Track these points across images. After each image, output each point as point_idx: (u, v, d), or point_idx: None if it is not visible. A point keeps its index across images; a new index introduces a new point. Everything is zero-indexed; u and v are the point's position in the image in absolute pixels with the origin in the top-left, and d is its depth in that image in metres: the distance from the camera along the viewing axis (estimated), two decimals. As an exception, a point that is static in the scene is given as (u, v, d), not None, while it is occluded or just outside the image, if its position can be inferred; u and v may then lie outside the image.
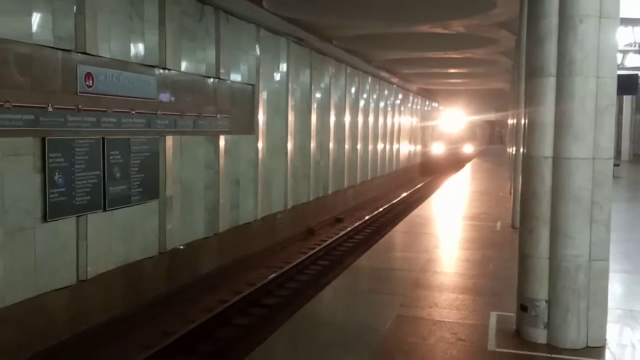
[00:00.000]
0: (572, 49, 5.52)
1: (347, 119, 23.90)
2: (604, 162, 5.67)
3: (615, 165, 26.24)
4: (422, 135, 43.77)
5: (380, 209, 23.70)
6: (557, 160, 5.67)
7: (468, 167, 33.10)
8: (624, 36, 16.37)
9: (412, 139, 40.08)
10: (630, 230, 12.33)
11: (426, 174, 41.70)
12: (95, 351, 8.70)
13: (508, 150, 21.84)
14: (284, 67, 17.15)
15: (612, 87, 5.65)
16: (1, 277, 7.85)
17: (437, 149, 44.57)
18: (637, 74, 20.62)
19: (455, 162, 39.93)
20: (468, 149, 46.49)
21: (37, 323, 8.39)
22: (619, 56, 19.66)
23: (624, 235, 11.35)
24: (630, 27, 16.26)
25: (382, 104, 30.75)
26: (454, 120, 47.68)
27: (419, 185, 34.21)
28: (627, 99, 35.74)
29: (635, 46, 16.93)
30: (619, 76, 7.64)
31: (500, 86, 31.59)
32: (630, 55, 19.86)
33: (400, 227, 13.31)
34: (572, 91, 5.56)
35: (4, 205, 7.90)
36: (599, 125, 5.59)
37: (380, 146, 30.62)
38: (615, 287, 7.58)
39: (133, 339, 9.19)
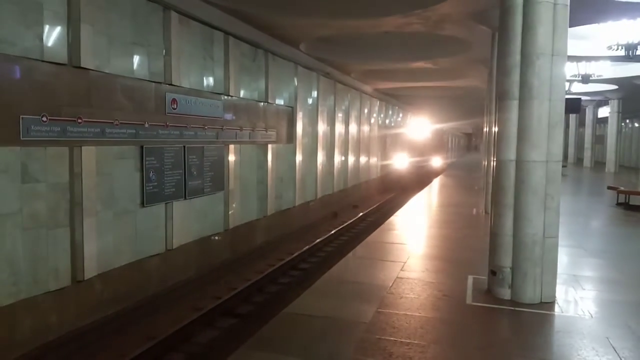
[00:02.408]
0: (531, 78, 5.45)
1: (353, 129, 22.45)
2: (555, 164, 5.61)
3: (563, 166, 25.99)
4: (382, 146, 27.73)
5: (388, 197, 23.27)
6: (520, 162, 5.61)
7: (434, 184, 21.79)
8: (571, 69, 16.08)
9: (369, 150, 24.93)
10: (575, 215, 12.11)
11: (386, 191, 26.46)
12: (180, 299, 8.83)
13: (483, 162, 15.30)
14: (315, 93, 17.17)
15: (561, 107, 5.58)
16: (112, 246, 8.02)
17: (400, 162, 28.53)
18: (580, 98, 20.30)
19: (420, 177, 26.48)
20: (436, 161, 30.85)
21: (138, 280, 8.55)
22: (567, 84, 19.34)
23: (570, 219, 11.17)
24: (575, 63, 16.01)
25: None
26: (420, 129, 31.46)
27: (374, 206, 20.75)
28: (572, 117, 35.53)
29: (578, 77, 16.63)
30: (568, 99, 7.54)
31: (476, 85, 20.67)
32: (575, 84, 19.56)
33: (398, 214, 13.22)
34: (531, 111, 5.50)
35: (114, 194, 8.05)
36: (551, 137, 5.53)
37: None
38: (563, 258, 7.45)
39: (206, 292, 9.30)
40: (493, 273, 5.87)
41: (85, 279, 7.40)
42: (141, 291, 8.51)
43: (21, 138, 6.32)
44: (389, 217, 12.68)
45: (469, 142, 77.21)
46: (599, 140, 35.38)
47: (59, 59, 6.94)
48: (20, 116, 6.30)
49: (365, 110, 24.32)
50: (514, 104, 5.60)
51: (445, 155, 35.02)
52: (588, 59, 15.83)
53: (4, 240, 6.28)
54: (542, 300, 5.60)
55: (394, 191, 26.01)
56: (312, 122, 17.07)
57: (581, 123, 35.53)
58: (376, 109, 26.55)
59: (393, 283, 6.36)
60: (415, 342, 4.54)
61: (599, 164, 33.00)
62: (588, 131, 33.49)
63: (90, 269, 7.49)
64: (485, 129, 14.36)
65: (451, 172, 29.70)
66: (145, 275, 8.74)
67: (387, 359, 4.16)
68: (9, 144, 6.23)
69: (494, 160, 6.03)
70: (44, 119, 6.61)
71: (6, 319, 6.28)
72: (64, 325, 6.99)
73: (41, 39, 6.69)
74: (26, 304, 6.53)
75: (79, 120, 7.16)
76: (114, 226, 8.04)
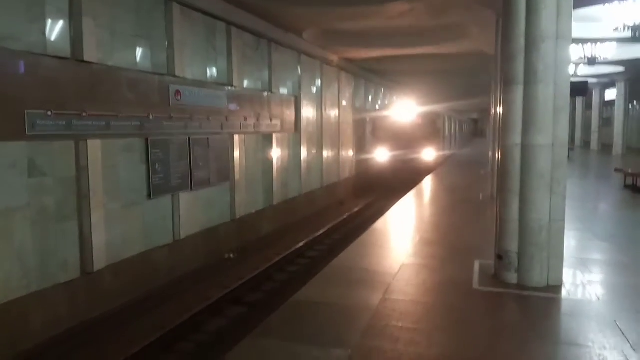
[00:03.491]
0: (536, 63, 5.40)
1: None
2: (561, 148, 5.56)
3: (570, 149, 25.72)
4: (357, 135, 22.00)
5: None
6: (525, 146, 5.57)
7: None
8: (577, 52, 15.88)
9: (338, 140, 19.36)
10: (583, 199, 12.04)
11: (363, 194, 20.56)
12: (188, 289, 8.91)
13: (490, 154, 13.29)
14: (318, 82, 17.10)
15: (567, 91, 5.52)
16: (120, 237, 8.08)
17: (381, 156, 22.15)
18: (586, 81, 20.06)
19: (407, 176, 19.81)
20: (429, 154, 22.67)
21: (147, 271, 8.62)
22: (573, 67, 19.13)
23: (578, 203, 11.12)
24: (581, 45, 15.81)
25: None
26: (407, 112, 23.76)
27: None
28: (579, 100, 35.23)
29: (585, 59, 16.44)
30: (574, 82, 7.46)
31: (481, 50, 15.82)
32: (581, 67, 19.36)
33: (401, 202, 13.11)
34: (536, 95, 5.45)
35: (120, 186, 8.10)
36: (556, 120, 5.48)
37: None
38: (570, 242, 7.44)
39: (214, 281, 9.36)
40: (500, 258, 5.87)
41: (95, 270, 7.48)
42: (150, 282, 8.58)
43: (27, 133, 6.36)
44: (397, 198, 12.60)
45: (475, 127, 70.53)
46: (606, 122, 35.07)
47: (62, 53, 6.95)
48: (26, 111, 6.33)
49: (335, 89, 19.20)
50: (519, 88, 5.55)
51: (441, 146, 25.22)
52: (594, 41, 15.63)
53: (13, 234, 6.34)
54: (549, 284, 5.59)
55: (369, 196, 19.92)
56: (317, 111, 17.00)
57: (588, 106, 35.20)
58: (346, 85, 20.61)
59: (399, 269, 6.37)
60: (422, 327, 4.56)
61: (606, 146, 32.70)
62: (595, 114, 33.17)
63: (100, 261, 7.56)
64: (492, 112, 14.10)
65: (444, 172, 20.55)
66: (153, 266, 8.81)
67: (394, 344, 4.19)
68: (15, 138, 6.27)
69: (499, 146, 5.99)
70: (49, 113, 6.64)
71: (18, 312, 6.36)
72: (74, 316, 7.08)
73: (44, 34, 6.70)
74: (37, 297, 6.62)
75: (84, 114, 7.18)
76: (122, 218, 8.10)
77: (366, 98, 23.96)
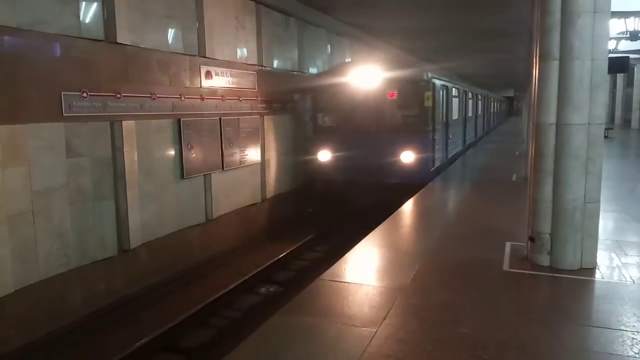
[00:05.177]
0: (572, 38, 5.21)
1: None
2: (597, 127, 5.38)
3: (609, 128, 24.73)
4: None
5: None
6: (560, 125, 5.41)
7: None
8: (617, 26, 15.22)
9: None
10: (621, 179, 11.67)
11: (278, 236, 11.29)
12: (220, 268, 9.10)
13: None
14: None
15: (604, 67, 5.31)
16: (155, 217, 8.28)
17: (323, 160, 11.81)
18: (627, 56, 19.18)
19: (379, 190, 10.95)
20: (407, 157, 11.08)
21: (180, 249, 8.84)
22: (614, 42, 18.36)
23: (615, 184, 10.79)
24: (622, 19, 15.14)
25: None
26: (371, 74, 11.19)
27: None
28: (620, 77, 33.85)
29: (626, 34, 15.75)
30: (614, 58, 7.19)
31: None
32: (622, 42, 18.55)
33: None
34: (572, 71, 5.26)
35: (154, 167, 8.27)
36: (593, 98, 5.29)
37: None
38: (606, 223, 7.25)
39: (246, 261, 9.54)
40: (532, 240, 5.77)
41: (131, 248, 7.71)
42: (184, 259, 8.80)
43: (64, 114, 6.55)
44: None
45: (510, 106, 62.19)
46: (649, 100, 33.65)
47: (95, 35, 7.08)
48: (62, 93, 6.51)
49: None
50: (554, 65, 5.37)
51: (426, 149, 11.50)
52: (636, 14, 14.94)
53: (53, 213, 6.58)
54: (582, 267, 5.48)
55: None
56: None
57: (629, 83, 33.77)
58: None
59: (427, 251, 6.35)
60: (449, 308, 4.55)
61: (648, 125, 31.48)
62: (637, 91, 31.84)
63: (135, 239, 7.78)
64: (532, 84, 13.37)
65: (475, 153, 16.95)
66: (187, 245, 9.02)
67: (420, 324, 4.20)
68: (53, 120, 6.47)
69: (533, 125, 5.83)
70: (85, 95, 6.80)
71: (58, 288, 6.64)
72: (113, 292, 7.34)
73: (78, 17, 6.83)
74: (76, 274, 6.88)
75: (118, 95, 7.33)
76: (156, 198, 8.29)
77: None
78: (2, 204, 5.91)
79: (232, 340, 5.36)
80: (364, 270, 5.71)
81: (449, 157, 14.54)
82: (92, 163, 7.12)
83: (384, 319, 4.29)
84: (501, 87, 50.70)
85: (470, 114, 19.96)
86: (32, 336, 6.15)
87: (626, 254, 6.06)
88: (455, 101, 15.32)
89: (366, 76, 11.32)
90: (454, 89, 15.16)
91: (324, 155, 11.90)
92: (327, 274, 5.48)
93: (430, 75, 11.82)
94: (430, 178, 11.59)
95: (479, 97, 24.22)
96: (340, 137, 11.69)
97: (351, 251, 6.32)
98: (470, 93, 19.92)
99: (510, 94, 62.75)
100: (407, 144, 11.20)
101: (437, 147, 12.39)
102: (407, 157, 11.22)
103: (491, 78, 32.78)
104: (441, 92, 12.87)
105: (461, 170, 14.94)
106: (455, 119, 15.66)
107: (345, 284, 5.24)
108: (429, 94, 11.39)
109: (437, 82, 12.28)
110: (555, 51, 5.35)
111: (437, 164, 12.56)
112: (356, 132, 11.41)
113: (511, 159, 16.11)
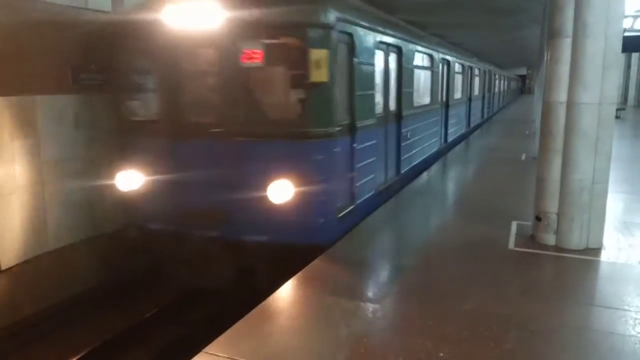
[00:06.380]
0: (586, 15, 5.11)
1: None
2: (608, 107, 5.31)
3: (621, 109, 24.32)
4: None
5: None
6: (570, 104, 5.35)
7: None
8: (635, 4, 14.88)
9: None
10: (632, 160, 11.56)
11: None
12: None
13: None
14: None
15: (618, 46, 5.21)
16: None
17: (127, 189, 6.01)
18: (644, 35, 18.81)
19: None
20: (281, 191, 5.28)
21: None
22: (630, 20, 17.92)
23: (626, 165, 10.71)
24: (641, -4, 14.78)
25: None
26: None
27: None
28: (635, 55, 33.21)
29: (644, 12, 15.41)
30: (630, 37, 7.05)
31: None
32: (639, 20, 18.15)
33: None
34: (584, 49, 5.18)
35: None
36: (605, 77, 5.22)
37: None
38: (614, 204, 7.22)
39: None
40: (538, 219, 5.76)
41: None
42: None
43: (72, 86, 6.56)
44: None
45: (522, 84, 63.31)
46: (664, 80, 33.11)
47: (102, 6, 7.04)
48: (71, 65, 6.50)
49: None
50: (567, 42, 5.28)
51: (325, 173, 5.55)
52: (656, -9, 14.56)
53: (63, 184, 6.64)
54: (588, 247, 5.48)
55: None
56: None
57: (645, 62, 33.25)
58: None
59: (434, 229, 6.37)
60: (454, 284, 4.59)
61: (663, 106, 31.02)
62: (652, 71, 31.36)
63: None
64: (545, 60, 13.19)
65: (486, 132, 17.26)
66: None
67: (424, 300, 4.24)
68: (61, 92, 6.48)
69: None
70: (92, 66, 6.80)
71: (69, 257, 6.76)
72: (120, 265, 7.46)
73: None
74: (86, 244, 6.99)
75: (125, 69, 7.28)
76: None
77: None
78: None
79: None
80: (368, 248, 5.74)
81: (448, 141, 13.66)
82: (101, 135, 7.13)
83: (387, 295, 4.34)
84: (514, 65, 49.99)
85: (476, 92, 18.09)
86: None
87: (633, 235, 6.05)
88: (424, 74, 10.58)
89: (198, 17, 5.34)
90: (424, 56, 10.33)
91: (129, 180, 6.16)
92: (332, 251, 5.48)
93: (335, 14, 5.53)
94: (337, 232, 5.88)
95: (481, 72, 20.55)
96: (155, 143, 6.02)
97: (356, 228, 6.32)
98: (469, 67, 16.60)
99: (523, 72, 62.04)
100: (282, 163, 5.44)
101: (365, 164, 6.68)
102: (281, 191, 5.41)
103: (504, 55, 32.11)
104: (384, 56, 7.53)
105: (469, 150, 14.85)
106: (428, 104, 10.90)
107: (350, 260, 5.28)
108: (321, 55, 5.22)
109: (363, 33, 6.42)
110: (568, 28, 5.26)
111: (367, 194, 6.86)
112: (183, 134, 5.80)
113: (521, 137, 15.97)
